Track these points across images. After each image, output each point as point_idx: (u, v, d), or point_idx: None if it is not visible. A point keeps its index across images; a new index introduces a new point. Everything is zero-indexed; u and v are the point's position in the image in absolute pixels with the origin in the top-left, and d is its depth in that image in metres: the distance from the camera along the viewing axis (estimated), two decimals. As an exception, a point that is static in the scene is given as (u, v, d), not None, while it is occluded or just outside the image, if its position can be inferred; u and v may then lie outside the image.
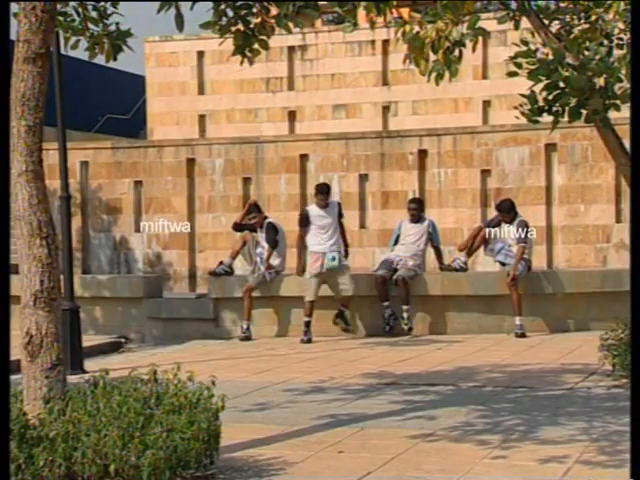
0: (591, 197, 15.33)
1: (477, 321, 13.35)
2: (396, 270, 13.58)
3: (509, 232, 13.52)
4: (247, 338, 13.48)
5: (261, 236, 13.87)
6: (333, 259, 13.36)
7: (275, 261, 13.78)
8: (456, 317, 13.38)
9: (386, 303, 13.41)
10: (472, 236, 13.85)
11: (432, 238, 13.98)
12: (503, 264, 13.47)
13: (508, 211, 13.61)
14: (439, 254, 14.06)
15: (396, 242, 14.04)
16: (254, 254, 13.87)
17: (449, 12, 7.50)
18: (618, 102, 7.45)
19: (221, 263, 14.13)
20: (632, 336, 5.13)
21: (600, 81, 7.48)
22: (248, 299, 13.63)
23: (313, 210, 13.78)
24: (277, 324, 13.91)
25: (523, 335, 12.89)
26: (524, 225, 13.52)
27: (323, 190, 13.79)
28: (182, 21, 7.17)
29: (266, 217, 14.04)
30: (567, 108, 7.51)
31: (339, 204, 14.06)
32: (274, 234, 13.80)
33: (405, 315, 13.30)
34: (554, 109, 7.58)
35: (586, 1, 8.03)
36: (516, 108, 7.71)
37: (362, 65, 20.84)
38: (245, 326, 13.58)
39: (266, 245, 13.79)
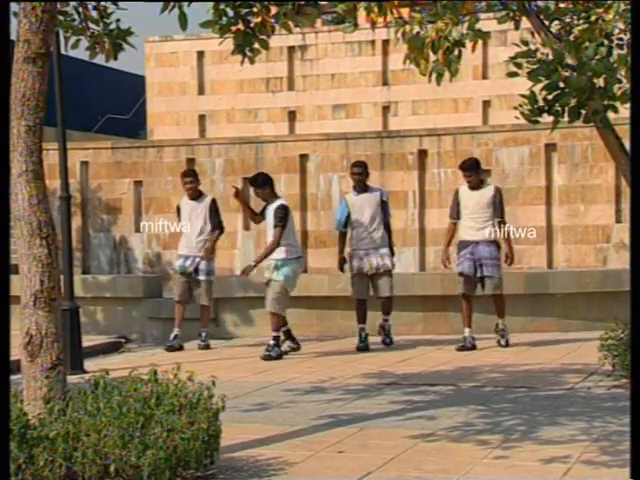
0: (591, 197, 15.33)
1: (477, 321, 13.31)
2: (372, 277, 12.41)
3: (476, 199, 12.02)
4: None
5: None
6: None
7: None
8: (456, 317, 13.36)
9: (362, 325, 12.33)
10: (448, 238, 12.38)
11: (385, 210, 12.52)
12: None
13: (472, 169, 12.09)
14: (388, 231, 12.56)
15: (346, 224, 12.47)
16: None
17: (449, 12, 7.50)
18: (617, 103, 7.46)
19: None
20: (632, 336, 5.13)
21: (600, 81, 7.48)
22: None
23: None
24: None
25: (508, 343, 12.01)
26: (500, 193, 12.21)
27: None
28: (186, 20, 7.17)
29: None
30: (567, 108, 7.52)
31: (277, 207, 11.97)
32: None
33: (386, 326, 12.52)
34: (554, 109, 7.58)
35: (586, 1, 8.03)
36: (516, 108, 7.71)
37: (362, 65, 20.83)
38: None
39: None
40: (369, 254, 12.36)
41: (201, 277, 12.93)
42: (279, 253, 11.87)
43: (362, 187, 12.52)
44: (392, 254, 12.56)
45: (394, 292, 12.58)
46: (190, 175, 13.25)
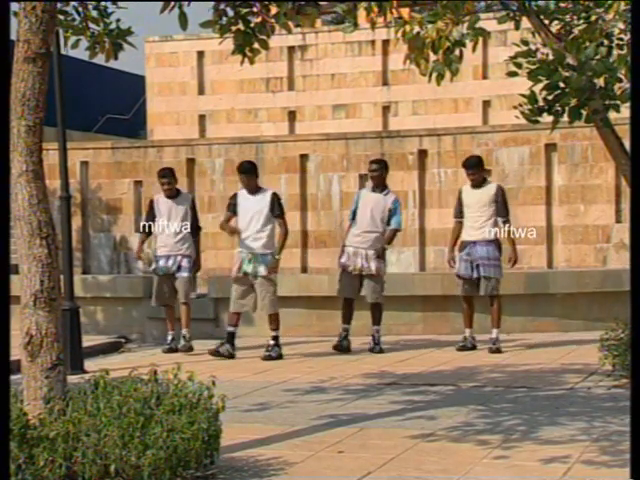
0: (591, 197, 15.33)
1: (477, 321, 13.31)
2: (361, 275, 12.07)
3: (477, 197, 11.95)
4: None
5: None
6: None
7: None
8: (456, 317, 13.35)
9: (346, 326, 12.11)
10: (454, 238, 12.27)
11: (391, 216, 12.11)
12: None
13: (475, 167, 12.02)
14: (391, 237, 12.26)
15: (354, 216, 12.26)
16: None
17: (449, 12, 7.50)
18: (618, 102, 7.46)
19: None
20: (632, 336, 5.13)
21: (600, 81, 7.48)
22: None
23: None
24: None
25: (499, 350, 11.67)
26: (503, 192, 12.08)
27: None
28: (186, 20, 7.17)
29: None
30: (567, 108, 7.51)
31: (273, 194, 12.16)
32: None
33: (376, 336, 12.03)
34: (554, 109, 7.58)
35: (586, 1, 8.03)
36: (516, 108, 7.71)
37: (362, 65, 20.83)
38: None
39: None
40: (356, 253, 12.08)
41: (184, 274, 12.69)
42: (262, 247, 11.86)
43: (379, 186, 12.25)
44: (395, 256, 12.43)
45: (382, 299, 12.14)
46: (167, 176, 12.84)
